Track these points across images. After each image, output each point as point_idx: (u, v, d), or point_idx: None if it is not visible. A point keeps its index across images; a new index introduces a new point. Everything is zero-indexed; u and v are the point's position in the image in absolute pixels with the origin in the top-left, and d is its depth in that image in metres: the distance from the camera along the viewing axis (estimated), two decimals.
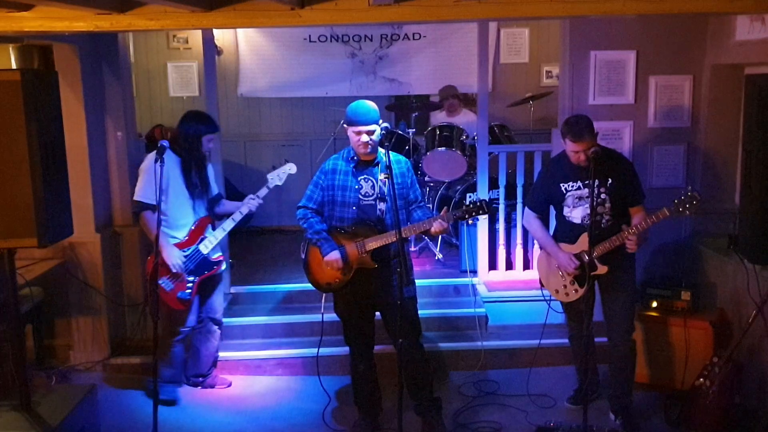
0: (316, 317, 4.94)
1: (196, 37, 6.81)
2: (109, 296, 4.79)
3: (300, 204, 3.80)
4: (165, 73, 7.19)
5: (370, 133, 3.58)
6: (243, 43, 7.18)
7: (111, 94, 4.87)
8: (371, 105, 3.64)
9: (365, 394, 3.93)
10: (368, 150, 3.62)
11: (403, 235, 3.51)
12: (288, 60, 7.13)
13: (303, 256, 3.83)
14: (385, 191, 3.64)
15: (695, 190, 3.51)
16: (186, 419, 4.19)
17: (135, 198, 4.14)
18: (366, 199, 3.68)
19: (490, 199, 5.27)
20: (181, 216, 4.13)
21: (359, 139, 3.59)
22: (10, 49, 4.53)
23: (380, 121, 3.62)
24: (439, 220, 3.56)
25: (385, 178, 3.57)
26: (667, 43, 4.77)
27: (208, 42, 5.11)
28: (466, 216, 3.59)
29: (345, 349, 3.98)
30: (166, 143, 3.60)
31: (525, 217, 4.09)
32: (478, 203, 3.58)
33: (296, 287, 5.32)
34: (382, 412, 3.99)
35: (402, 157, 3.84)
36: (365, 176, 3.69)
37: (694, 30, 4.74)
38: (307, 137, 7.34)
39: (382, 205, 3.67)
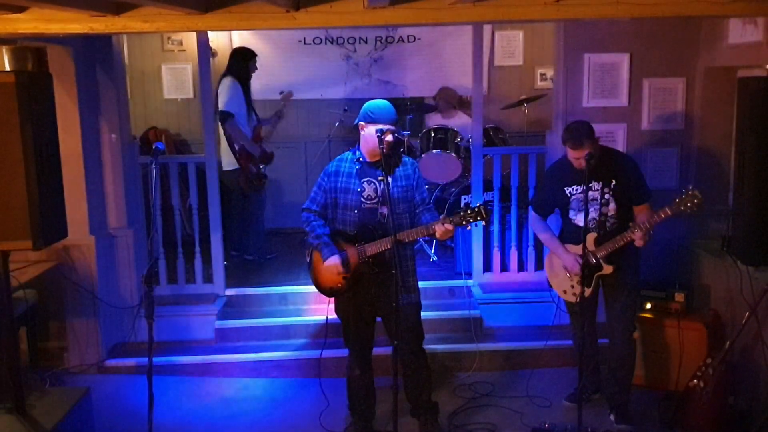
0: (311, 319, 5.01)
1: (190, 39, 6.79)
2: (103, 299, 4.77)
3: (304, 206, 3.72)
4: (159, 75, 7.17)
5: (392, 132, 3.49)
6: (238, 45, 7.17)
7: (105, 96, 4.86)
8: (390, 104, 3.60)
9: (359, 399, 3.91)
10: (388, 151, 3.47)
11: (404, 240, 3.48)
12: (283, 62, 7.12)
13: (308, 260, 3.77)
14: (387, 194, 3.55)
15: (696, 188, 3.44)
16: (181, 422, 4.17)
17: None
18: (368, 202, 3.58)
19: (484, 201, 5.31)
20: None
21: (384, 138, 3.45)
22: (4, 50, 4.50)
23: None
24: (442, 224, 3.42)
25: (380, 179, 3.54)
26: (661, 46, 4.79)
27: (203, 44, 5.10)
28: (464, 222, 3.41)
29: (341, 352, 3.97)
30: (161, 145, 3.58)
31: (531, 220, 4.13)
32: (475, 209, 3.39)
33: (292, 289, 5.32)
34: (375, 417, 3.97)
35: (408, 158, 3.75)
36: (368, 179, 3.59)
37: (688, 33, 4.76)
38: (301, 139, 7.31)
39: (384, 209, 3.55)
